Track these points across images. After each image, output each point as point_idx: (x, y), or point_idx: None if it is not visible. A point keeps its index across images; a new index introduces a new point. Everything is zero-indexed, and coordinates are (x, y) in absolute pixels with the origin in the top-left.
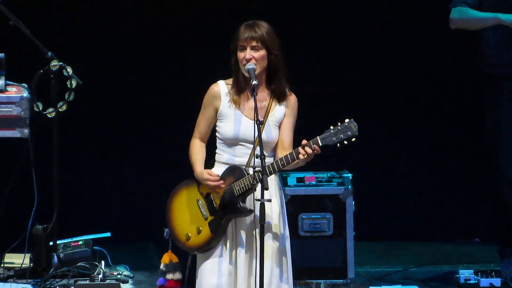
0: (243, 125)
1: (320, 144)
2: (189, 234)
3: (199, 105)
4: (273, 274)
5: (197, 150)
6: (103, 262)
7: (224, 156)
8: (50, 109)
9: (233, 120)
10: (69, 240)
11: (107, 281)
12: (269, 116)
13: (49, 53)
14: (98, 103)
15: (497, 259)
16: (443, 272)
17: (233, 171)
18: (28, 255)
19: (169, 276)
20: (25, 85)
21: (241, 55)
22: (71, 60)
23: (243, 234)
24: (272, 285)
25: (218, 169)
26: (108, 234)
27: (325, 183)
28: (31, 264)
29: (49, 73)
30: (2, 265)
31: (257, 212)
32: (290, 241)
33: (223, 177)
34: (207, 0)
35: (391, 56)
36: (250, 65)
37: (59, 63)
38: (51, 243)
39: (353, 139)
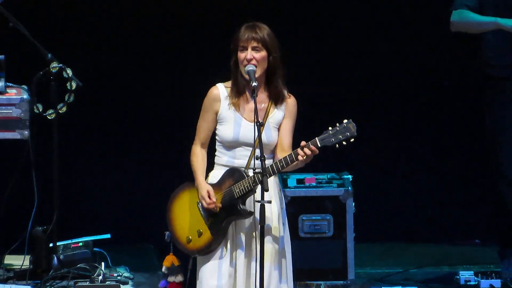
0: (243, 127)
1: (319, 145)
2: (190, 237)
3: (199, 106)
4: (271, 275)
5: (199, 159)
6: (103, 263)
7: (224, 159)
8: (50, 111)
9: (233, 122)
10: (69, 241)
11: (107, 283)
12: (268, 117)
13: (49, 55)
14: (98, 104)
15: (497, 260)
16: (443, 273)
17: (233, 173)
18: (28, 257)
19: (171, 278)
20: (25, 86)
21: (241, 55)
22: (71, 60)
23: (243, 236)
24: (270, 286)
25: (218, 171)
26: (108, 236)
27: (325, 185)
28: (31, 266)
29: (49, 75)
30: (2, 266)
31: (257, 214)
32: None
33: (222, 179)
34: (207, 0)
35: (391, 56)
36: (250, 67)
37: (59, 65)
38: (51, 245)
39: (352, 140)
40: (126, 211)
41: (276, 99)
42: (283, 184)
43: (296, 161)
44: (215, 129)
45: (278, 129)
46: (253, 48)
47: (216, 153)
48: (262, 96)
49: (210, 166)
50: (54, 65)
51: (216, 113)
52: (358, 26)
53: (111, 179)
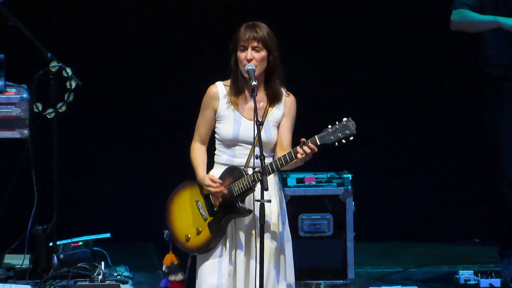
0: (242, 126)
1: (318, 143)
2: (189, 235)
3: (199, 105)
4: (270, 274)
5: (198, 154)
6: (103, 263)
7: (223, 157)
8: (50, 110)
9: (232, 121)
10: (69, 240)
11: (107, 282)
12: (267, 116)
13: (49, 54)
14: (98, 104)
15: (497, 260)
16: (443, 272)
17: (232, 172)
18: (28, 256)
19: (172, 277)
20: (25, 86)
21: (242, 55)
22: (71, 60)
23: (242, 235)
24: (268, 285)
25: (217, 170)
26: (108, 235)
27: (325, 184)
28: (31, 265)
29: (48, 74)
30: (2, 265)
31: (257, 212)
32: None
33: (222, 177)
34: (207, 0)
35: (391, 56)
36: (250, 66)
37: (59, 64)
38: (51, 244)
39: (351, 138)
40: (126, 210)
41: (275, 98)
42: (283, 183)
43: (295, 159)
44: (214, 128)
45: (277, 128)
46: (253, 48)
47: (216, 152)
48: (261, 95)
49: (209, 165)
50: (54, 64)
51: (215, 111)
52: (358, 26)
53: (111, 179)
